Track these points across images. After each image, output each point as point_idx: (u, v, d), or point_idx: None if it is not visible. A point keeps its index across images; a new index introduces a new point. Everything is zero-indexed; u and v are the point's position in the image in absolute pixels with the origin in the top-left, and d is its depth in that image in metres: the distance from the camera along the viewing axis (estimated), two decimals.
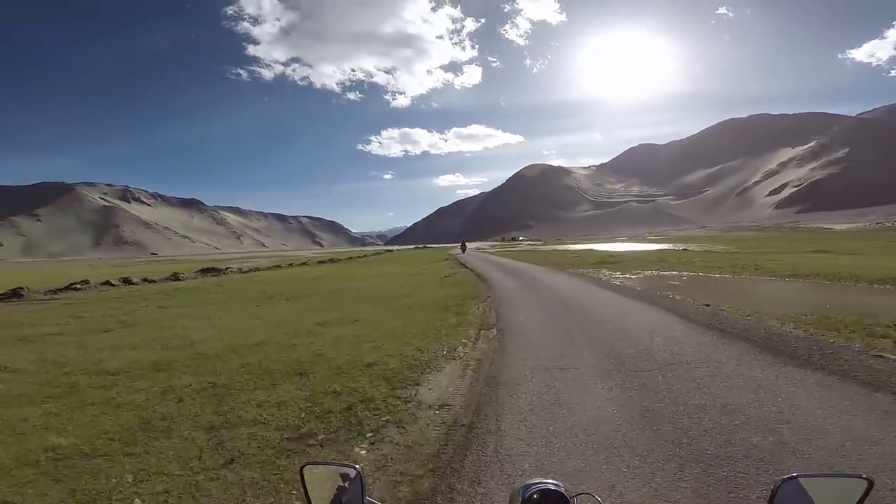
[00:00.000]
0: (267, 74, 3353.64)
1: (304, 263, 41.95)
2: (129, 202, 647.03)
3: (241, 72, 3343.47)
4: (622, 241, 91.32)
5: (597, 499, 1.04)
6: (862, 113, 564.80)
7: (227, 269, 33.30)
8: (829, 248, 33.11)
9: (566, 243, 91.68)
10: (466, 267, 27.13)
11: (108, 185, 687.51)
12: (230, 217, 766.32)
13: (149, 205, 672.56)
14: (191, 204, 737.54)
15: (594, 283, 14.63)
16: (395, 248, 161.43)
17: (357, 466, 1.21)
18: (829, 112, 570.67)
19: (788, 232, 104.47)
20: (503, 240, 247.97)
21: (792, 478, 1.04)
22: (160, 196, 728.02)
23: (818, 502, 1.01)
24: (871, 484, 1.01)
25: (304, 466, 1.25)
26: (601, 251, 37.79)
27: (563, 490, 1.08)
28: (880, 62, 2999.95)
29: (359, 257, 57.01)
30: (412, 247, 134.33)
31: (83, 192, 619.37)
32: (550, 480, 1.12)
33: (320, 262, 40.50)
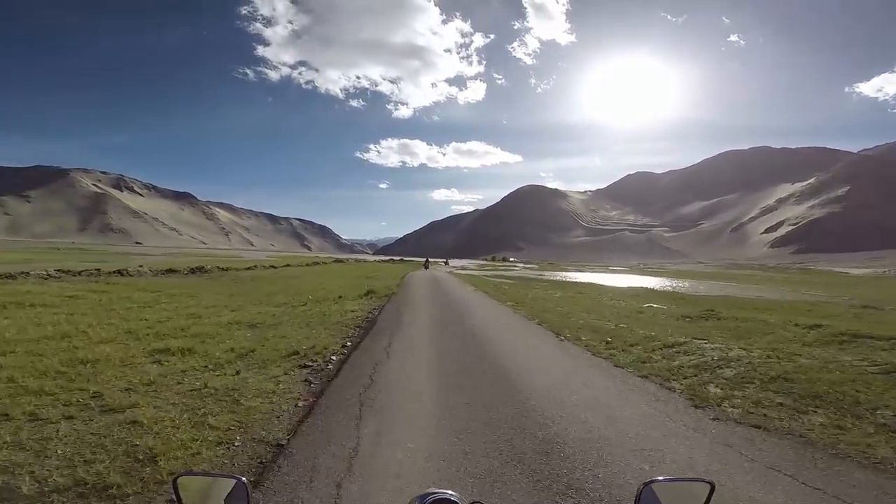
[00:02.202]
0: (273, 76, 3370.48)
1: (251, 268, 36.37)
2: (122, 190, 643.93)
3: (249, 71, 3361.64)
4: (622, 271, 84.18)
5: None
6: (864, 149, 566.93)
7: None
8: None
9: (564, 269, 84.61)
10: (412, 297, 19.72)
11: (103, 172, 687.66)
12: (221, 213, 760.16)
13: (141, 194, 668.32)
14: (183, 197, 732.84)
15: None
16: (372, 258, 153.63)
17: (242, 478, 1.14)
18: (832, 147, 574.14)
19: (797, 274, 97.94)
20: (493, 259, 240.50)
21: (651, 482, 1.13)
22: (153, 187, 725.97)
23: None
24: (713, 487, 1.12)
25: (177, 477, 1.14)
26: (613, 288, 28.45)
27: (456, 499, 1.09)
28: (887, 97, 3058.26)
29: (308, 264, 50.24)
30: (387, 258, 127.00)
31: (77, 177, 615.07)
32: (449, 491, 1.12)
33: (248, 269, 33.91)
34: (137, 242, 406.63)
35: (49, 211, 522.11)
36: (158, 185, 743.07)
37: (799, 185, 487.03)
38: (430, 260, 68.47)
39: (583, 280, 41.10)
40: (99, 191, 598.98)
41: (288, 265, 42.81)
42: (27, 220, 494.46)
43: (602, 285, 32.47)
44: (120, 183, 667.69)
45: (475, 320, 11.71)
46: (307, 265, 47.59)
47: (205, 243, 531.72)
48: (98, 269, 21.40)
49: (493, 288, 23.74)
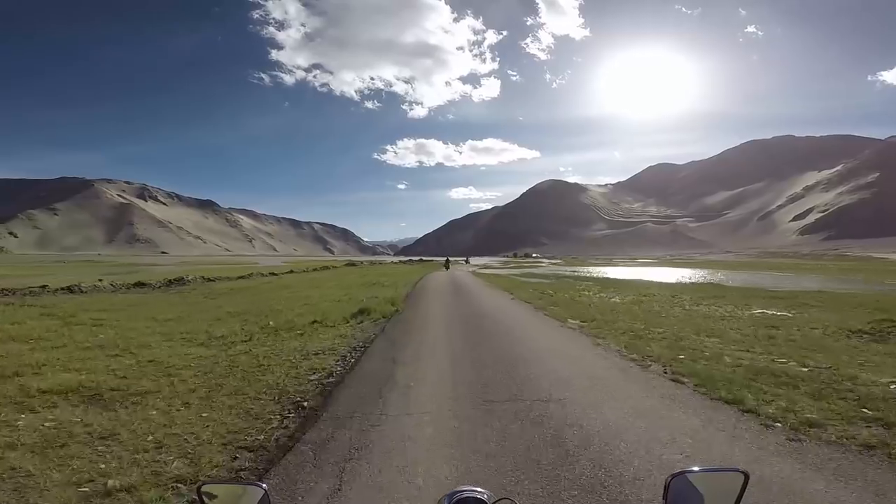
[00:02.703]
0: (288, 80, 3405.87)
1: (249, 275, 32.72)
2: (146, 200, 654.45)
3: (264, 76, 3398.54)
4: (653, 264, 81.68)
5: (515, 503, 1.06)
6: (891, 136, 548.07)
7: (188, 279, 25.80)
8: None
9: (593, 264, 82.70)
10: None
11: (126, 182, 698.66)
12: (243, 220, 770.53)
13: (164, 203, 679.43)
14: (206, 205, 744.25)
15: None
16: (391, 259, 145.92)
17: (264, 486, 1.14)
18: (859, 135, 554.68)
19: (837, 261, 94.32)
20: (515, 256, 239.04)
21: (680, 473, 1.10)
22: (176, 195, 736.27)
23: (706, 495, 1.08)
24: (747, 476, 1.09)
25: (201, 486, 1.15)
26: (671, 285, 24.38)
27: (485, 497, 1.09)
28: None
29: (317, 269, 47.21)
30: (405, 259, 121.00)
31: (102, 188, 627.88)
32: (478, 488, 1.12)
33: (241, 277, 30.39)
34: (163, 252, 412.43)
35: (76, 223, 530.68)
36: (181, 194, 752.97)
37: (826, 173, 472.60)
38: (450, 259, 64.59)
39: (623, 276, 36.31)
40: (124, 201, 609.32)
41: (291, 271, 39.48)
42: (56, 233, 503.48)
43: (654, 282, 28.85)
44: (144, 192, 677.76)
45: (547, 382, 5.55)
46: (314, 270, 44.50)
47: (229, 251, 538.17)
48: (45, 286, 18.06)
49: (535, 293, 18.22)
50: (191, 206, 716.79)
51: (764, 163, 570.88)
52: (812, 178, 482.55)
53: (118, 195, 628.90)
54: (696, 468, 1.14)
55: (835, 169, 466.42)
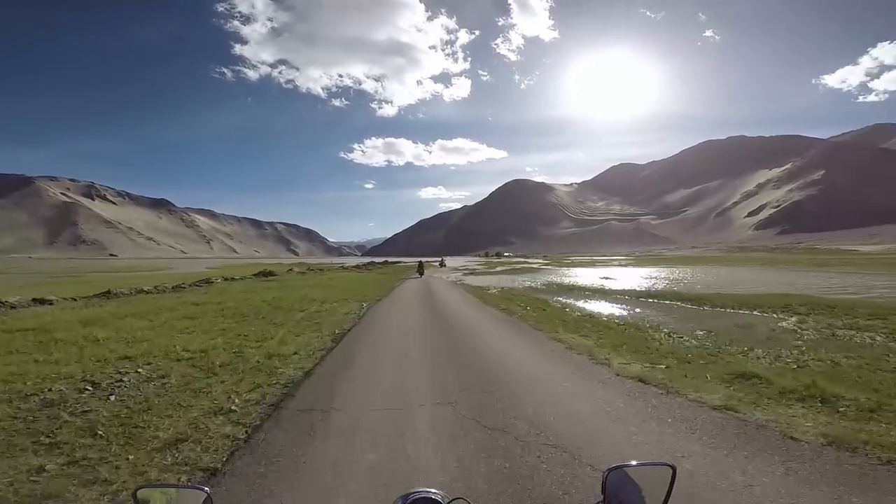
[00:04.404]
0: (252, 75, 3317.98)
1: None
2: (94, 199, 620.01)
3: (227, 71, 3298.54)
4: (629, 263, 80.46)
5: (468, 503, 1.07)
6: (833, 136, 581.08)
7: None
8: None
9: (571, 263, 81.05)
10: None
11: (71, 180, 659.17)
12: (201, 220, 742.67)
13: (114, 203, 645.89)
14: (160, 204, 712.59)
15: None
16: (355, 261, 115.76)
17: (206, 489, 1.07)
18: (804, 135, 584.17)
19: (809, 254, 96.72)
20: (487, 255, 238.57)
21: (617, 468, 1.18)
22: (127, 194, 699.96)
23: (642, 487, 1.17)
24: (674, 469, 1.17)
25: (137, 489, 1.08)
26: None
27: (439, 498, 1.12)
28: (850, 88, 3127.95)
29: (245, 277, 33.74)
30: (373, 262, 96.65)
31: (44, 185, 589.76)
32: (432, 489, 1.14)
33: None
34: (111, 255, 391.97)
35: (13, 223, 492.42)
36: (133, 193, 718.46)
37: (776, 171, 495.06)
38: (423, 262, 51.71)
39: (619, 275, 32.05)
40: (68, 200, 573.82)
41: (208, 281, 27.77)
42: None
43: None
44: (91, 191, 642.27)
45: None
46: (242, 279, 32.01)
47: (185, 252, 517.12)
48: None
49: (620, 337, 9.59)
50: (143, 206, 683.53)
51: (719, 162, 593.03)
52: (764, 175, 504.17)
53: (62, 193, 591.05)
54: (632, 462, 1.22)
55: (784, 167, 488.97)
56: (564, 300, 19.10)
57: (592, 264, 71.69)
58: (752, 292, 20.15)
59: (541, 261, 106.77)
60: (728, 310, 14.65)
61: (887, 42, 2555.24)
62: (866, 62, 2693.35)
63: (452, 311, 15.22)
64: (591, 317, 13.34)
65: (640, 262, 78.18)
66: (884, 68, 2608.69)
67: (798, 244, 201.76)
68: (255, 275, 36.50)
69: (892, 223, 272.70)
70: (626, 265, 64.58)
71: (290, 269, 49.13)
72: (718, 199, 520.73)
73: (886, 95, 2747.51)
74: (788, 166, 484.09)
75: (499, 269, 61.41)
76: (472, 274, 47.12)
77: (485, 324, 12.15)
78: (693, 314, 14.14)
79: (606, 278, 35.03)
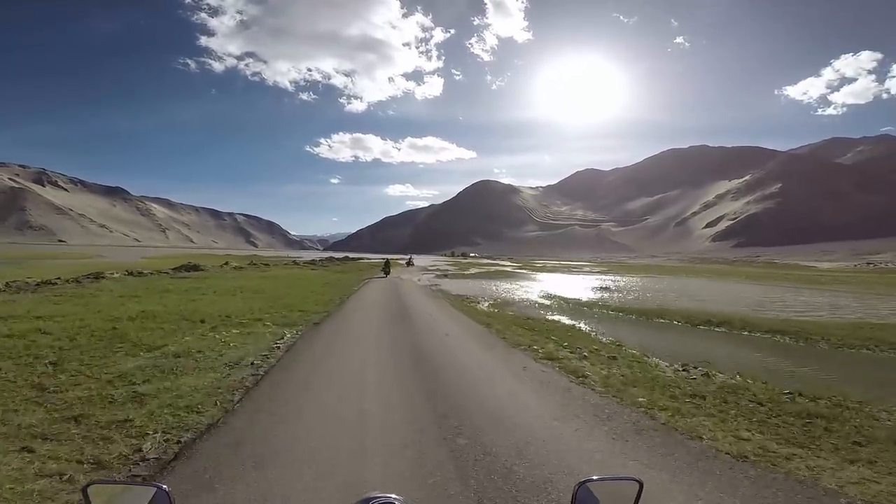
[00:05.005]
0: (217, 67, 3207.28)
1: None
2: (44, 185, 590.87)
3: (190, 62, 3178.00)
4: (597, 269, 78.25)
5: None
6: (792, 149, 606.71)
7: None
8: None
9: (535, 267, 78.12)
10: None
11: (21, 165, 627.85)
12: (157, 209, 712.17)
13: (66, 189, 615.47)
14: (114, 192, 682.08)
15: None
16: (317, 256, 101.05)
17: (164, 486, 1.02)
18: (764, 146, 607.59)
19: (767, 268, 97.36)
20: (453, 255, 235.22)
21: (584, 482, 1.17)
22: (80, 181, 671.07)
23: (608, 501, 1.15)
24: (641, 485, 1.16)
25: (87, 486, 1.03)
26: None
27: (401, 502, 1.09)
28: (811, 100, 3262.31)
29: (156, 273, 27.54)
30: (325, 255, 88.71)
31: None
32: (392, 494, 1.11)
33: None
34: (60, 241, 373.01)
35: None
36: (87, 180, 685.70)
37: (735, 182, 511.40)
38: (389, 260, 45.26)
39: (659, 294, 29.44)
40: (16, 185, 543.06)
41: (98, 276, 21.06)
42: None
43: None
44: (42, 177, 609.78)
45: None
46: (151, 274, 26.05)
47: (139, 241, 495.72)
48: None
49: None
50: (97, 193, 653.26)
51: (680, 171, 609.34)
52: (723, 186, 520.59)
53: (10, 179, 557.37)
54: (595, 477, 1.20)
55: (743, 179, 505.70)
56: (616, 329, 14.02)
57: (568, 269, 69.21)
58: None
59: (509, 263, 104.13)
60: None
61: (850, 54, 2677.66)
62: (828, 74, 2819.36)
63: (456, 366, 7.90)
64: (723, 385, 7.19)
65: (613, 269, 75.84)
66: (844, 81, 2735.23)
67: (757, 257, 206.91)
68: (176, 269, 30.37)
69: (843, 240, 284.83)
70: (600, 272, 62.00)
71: (226, 263, 40.29)
72: (678, 208, 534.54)
73: (844, 109, 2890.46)
74: (747, 178, 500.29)
75: (472, 270, 56.94)
76: (445, 276, 42.30)
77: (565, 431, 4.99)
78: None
79: (605, 289, 31.16)
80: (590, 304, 21.70)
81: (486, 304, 20.44)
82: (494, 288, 31.08)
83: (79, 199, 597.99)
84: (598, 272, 61.06)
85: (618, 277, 48.11)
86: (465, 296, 23.61)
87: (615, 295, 27.13)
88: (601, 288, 32.80)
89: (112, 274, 22.57)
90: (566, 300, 23.61)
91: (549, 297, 25.59)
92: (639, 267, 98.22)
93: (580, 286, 34.28)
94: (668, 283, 39.84)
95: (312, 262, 57.21)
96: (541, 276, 49.94)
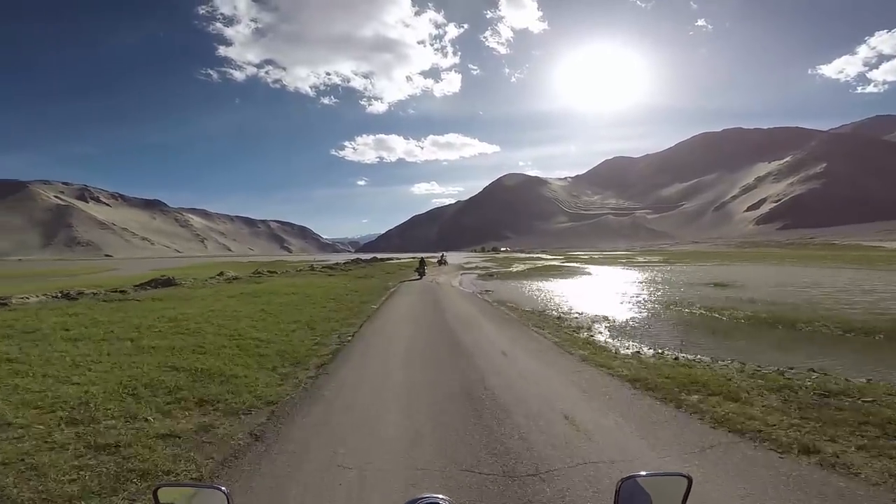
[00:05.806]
0: (238, 76, 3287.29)
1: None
2: (87, 201, 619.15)
3: (212, 73, 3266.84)
4: (655, 262, 73.60)
5: None
6: (833, 128, 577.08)
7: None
8: None
9: (585, 259, 73.45)
10: None
11: (65, 183, 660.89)
12: (194, 219, 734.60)
13: (108, 205, 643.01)
14: (153, 205, 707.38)
15: None
16: (345, 258, 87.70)
17: (223, 488, 1.09)
18: (802, 126, 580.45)
19: (829, 250, 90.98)
20: (483, 250, 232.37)
21: (630, 477, 1.15)
22: (120, 196, 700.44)
23: (655, 498, 1.14)
24: (690, 480, 1.15)
25: (157, 488, 1.09)
26: None
27: (448, 502, 1.09)
28: (848, 78, 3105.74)
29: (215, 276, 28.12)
30: (352, 257, 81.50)
31: (37, 190, 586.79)
32: (440, 495, 1.11)
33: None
34: (107, 255, 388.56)
35: (8, 227, 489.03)
36: (126, 195, 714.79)
37: (776, 164, 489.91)
38: (424, 259, 40.41)
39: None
40: (62, 203, 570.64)
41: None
42: None
43: None
44: (84, 194, 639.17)
45: None
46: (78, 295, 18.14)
47: (179, 252, 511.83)
48: None
49: None
50: (137, 207, 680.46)
51: (715, 155, 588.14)
52: (763, 168, 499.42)
53: (55, 196, 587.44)
54: (643, 473, 1.19)
55: (784, 160, 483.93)
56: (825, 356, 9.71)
57: (617, 261, 64.07)
58: None
59: (548, 256, 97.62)
60: None
61: (885, 31, 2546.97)
62: (864, 52, 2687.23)
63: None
64: None
65: (669, 257, 71.49)
66: (882, 58, 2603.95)
67: (811, 239, 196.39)
68: (139, 286, 22.43)
69: None
70: (659, 261, 57.84)
71: (221, 274, 32.28)
72: (716, 192, 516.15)
73: (886, 86, 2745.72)
74: (788, 159, 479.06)
75: (517, 267, 49.42)
76: (490, 277, 36.09)
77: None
78: None
79: (729, 285, 24.58)
80: (718, 311, 16.13)
81: (598, 328, 12.81)
82: (563, 293, 23.51)
83: (120, 214, 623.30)
84: (656, 262, 56.78)
85: (685, 268, 44.39)
86: (540, 310, 16.38)
87: (721, 294, 21.57)
88: (698, 283, 26.79)
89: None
90: (684, 308, 17.21)
91: (642, 303, 19.10)
92: (694, 254, 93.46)
93: (660, 283, 28.53)
94: (753, 272, 35.72)
95: (331, 267, 47.72)
96: (594, 269, 45.10)
